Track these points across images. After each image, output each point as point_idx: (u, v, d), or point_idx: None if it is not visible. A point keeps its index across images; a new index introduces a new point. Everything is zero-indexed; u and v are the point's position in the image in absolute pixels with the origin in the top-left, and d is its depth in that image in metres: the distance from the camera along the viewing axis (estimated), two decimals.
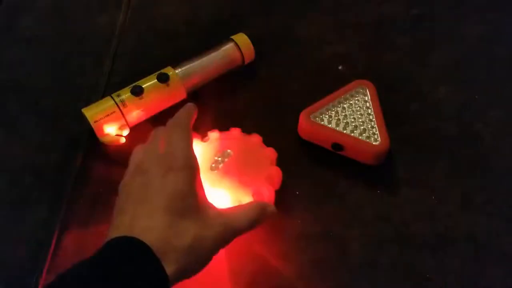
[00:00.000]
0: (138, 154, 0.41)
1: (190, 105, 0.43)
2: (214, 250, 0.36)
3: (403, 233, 0.44)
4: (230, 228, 0.37)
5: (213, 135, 0.46)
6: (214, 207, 0.38)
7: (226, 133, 0.47)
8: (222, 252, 0.36)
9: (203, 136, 0.46)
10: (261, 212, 0.39)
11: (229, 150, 0.45)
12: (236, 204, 0.41)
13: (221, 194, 0.42)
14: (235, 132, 0.46)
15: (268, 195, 0.43)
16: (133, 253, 0.32)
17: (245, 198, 0.42)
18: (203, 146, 0.45)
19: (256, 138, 0.46)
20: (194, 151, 0.39)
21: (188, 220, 0.35)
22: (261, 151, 0.46)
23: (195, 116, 0.43)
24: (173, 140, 0.39)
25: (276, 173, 0.44)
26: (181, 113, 0.42)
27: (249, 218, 0.38)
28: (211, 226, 0.36)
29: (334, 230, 0.45)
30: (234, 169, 0.44)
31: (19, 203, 0.47)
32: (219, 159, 0.44)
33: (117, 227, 0.34)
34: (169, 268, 0.32)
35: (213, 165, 0.44)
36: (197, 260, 0.35)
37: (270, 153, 0.46)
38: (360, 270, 0.42)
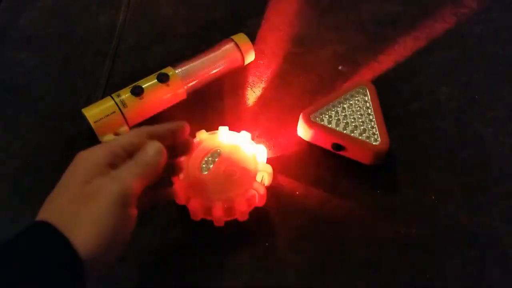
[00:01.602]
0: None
1: (180, 123, 0.40)
2: (115, 211, 0.32)
3: (403, 233, 0.44)
4: (118, 180, 0.33)
5: (202, 135, 0.46)
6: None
7: (214, 132, 0.47)
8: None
9: (192, 137, 0.46)
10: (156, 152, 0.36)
11: (218, 150, 0.45)
12: (229, 202, 0.42)
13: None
14: (223, 130, 0.46)
15: (260, 193, 0.43)
16: (40, 238, 0.31)
17: (238, 198, 0.42)
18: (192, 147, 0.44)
19: (245, 135, 0.46)
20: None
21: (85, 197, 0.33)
22: (251, 148, 0.46)
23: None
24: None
25: (267, 170, 0.44)
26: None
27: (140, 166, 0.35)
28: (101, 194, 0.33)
29: (334, 230, 0.45)
30: (224, 169, 0.44)
31: (19, 203, 0.47)
32: (209, 159, 0.44)
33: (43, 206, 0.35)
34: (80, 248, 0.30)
35: (204, 165, 0.44)
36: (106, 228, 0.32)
37: (260, 149, 0.46)
38: (360, 270, 0.42)
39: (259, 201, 0.43)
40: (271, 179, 0.45)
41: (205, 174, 0.44)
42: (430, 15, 0.63)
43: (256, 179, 0.43)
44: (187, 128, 0.39)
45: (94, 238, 0.31)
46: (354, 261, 0.43)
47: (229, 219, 0.43)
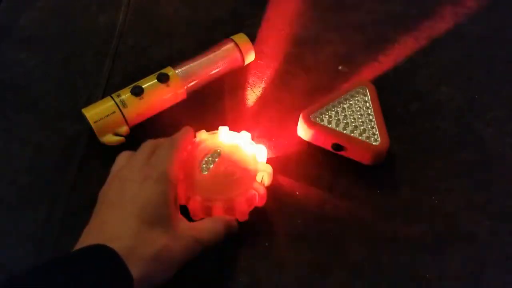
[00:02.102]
0: (120, 161, 0.42)
1: (187, 127, 0.45)
2: (181, 261, 0.36)
3: (403, 233, 0.44)
4: (198, 241, 0.38)
5: (202, 135, 0.46)
6: (184, 220, 0.39)
7: (214, 132, 0.47)
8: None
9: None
10: (226, 227, 0.40)
11: (218, 150, 0.45)
12: (229, 202, 0.42)
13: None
14: (223, 130, 0.46)
15: (260, 193, 0.43)
16: (98, 259, 0.32)
17: (238, 198, 0.42)
18: (192, 146, 0.45)
19: (245, 135, 0.46)
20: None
21: (157, 229, 0.35)
22: (251, 148, 0.46)
23: (190, 138, 0.45)
24: (159, 154, 0.41)
25: (267, 170, 0.44)
26: (176, 134, 0.44)
27: (215, 233, 0.40)
28: (180, 238, 0.37)
29: (334, 230, 0.45)
30: (224, 169, 0.44)
31: (18, 203, 0.47)
32: (209, 159, 0.44)
33: (88, 232, 0.35)
34: (134, 274, 0.32)
35: (204, 166, 0.44)
36: (162, 269, 0.35)
37: (260, 149, 0.46)
38: (360, 270, 0.42)
39: (259, 201, 0.43)
40: (271, 179, 0.45)
41: (205, 174, 0.44)
42: (430, 15, 0.63)
43: (256, 179, 0.43)
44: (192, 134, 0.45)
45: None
46: (354, 261, 0.43)
47: None
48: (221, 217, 0.41)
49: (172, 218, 0.37)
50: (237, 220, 0.42)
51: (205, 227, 0.40)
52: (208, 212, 0.42)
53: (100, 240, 0.33)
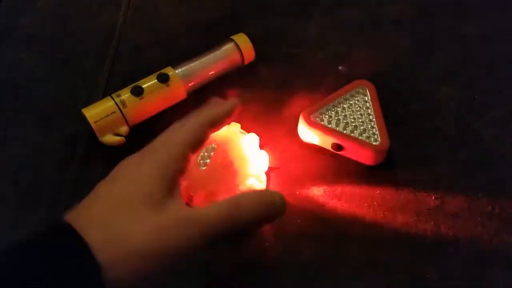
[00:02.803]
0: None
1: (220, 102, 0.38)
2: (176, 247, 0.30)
3: (403, 233, 0.44)
4: (192, 226, 0.30)
5: None
6: (183, 204, 0.33)
7: None
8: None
9: None
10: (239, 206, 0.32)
11: (212, 144, 0.45)
12: (231, 192, 0.42)
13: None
14: None
15: (261, 179, 0.44)
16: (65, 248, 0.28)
17: (240, 187, 0.43)
18: None
19: (235, 127, 0.47)
20: None
21: (142, 211, 0.30)
22: (242, 138, 0.46)
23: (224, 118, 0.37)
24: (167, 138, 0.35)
25: (262, 157, 0.45)
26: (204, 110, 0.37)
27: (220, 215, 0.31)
28: (171, 220, 0.30)
29: (334, 230, 0.45)
30: (221, 161, 0.44)
31: (19, 203, 0.47)
32: (205, 154, 0.45)
33: (80, 204, 0.31)
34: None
35: (201, 161, 0.44)
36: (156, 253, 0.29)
37: (252, 138, 0.46)
38: (360, 270, 0.42)
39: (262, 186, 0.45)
40: (267, 165, 0.46)
41: (204, 169, 0.44)
42: (430, 15, 0.63)
43: (253, 167, 0.44)
44: (239, 108, 0.38)
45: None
46: (354, 261, 0.43)
47: None
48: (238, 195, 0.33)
49: (162, 199, 0.31)
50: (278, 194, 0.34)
51: (204, 210, 0.32)
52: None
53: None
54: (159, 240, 0.29)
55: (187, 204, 0.43)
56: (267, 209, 0.32)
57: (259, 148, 0.46)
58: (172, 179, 0.33)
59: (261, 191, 0.38)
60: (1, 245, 0.42)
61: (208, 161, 0.44)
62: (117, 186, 0.32)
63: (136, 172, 0.32)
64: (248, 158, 0.44)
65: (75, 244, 0.28)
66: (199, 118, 0.36)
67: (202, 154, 0.45)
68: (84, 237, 0.28)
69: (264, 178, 0.45)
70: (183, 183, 0.42)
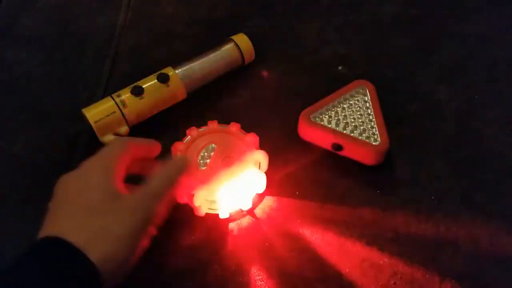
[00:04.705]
0: None
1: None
2: (136, 233, 0.35)
3: (403, 233, 0.44)
4: (143, 203, 0.36)
5: (192, 132, 0.47)
6: (125, 191, 0.37)
7: (204, 128, 0.47)
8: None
9: (183, 138, 0.46)
10: (166, 170, 0.38)
11: (212, 144, 0.45)
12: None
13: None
14: (213, 125, 0.47)
15: (259, 179, 0.44)
16: (57, 252, 0.31)
17: (239, 185, 0.43)
18: (185, 146, 0.45)
19: (234, 127, 0.47)
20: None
21: (101, 214, 0.34)
22: (242, 138, 0.46)
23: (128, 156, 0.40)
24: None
25: (262, 157, 0.45)
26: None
27: (157, 184, 0.37)
28: (122, 214, 0.35)
29: (334, 230, 0.45)
30: (221, 160, 0.44)
31: (19, 204, 0.47)
32: (205, 154, 0.45)
33: (43, 227, 0.35)
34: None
35: (201, 161, 0.45)
36: (124, 248, 0.34)
37: (252, 138, 0.46)
38: (360, 270, 0.42)
39: (260, 188, 0.45)
40: (267, 165, 0.46)
41: (204, 169, 0.44)
42: (430, 15, 0.63)
43: (253, 167, 0.44)
44: (159, 149, 0.42)
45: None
46: (354, 261, 0.43)
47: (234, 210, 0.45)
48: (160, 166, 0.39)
49: (109, 197, 0.35)
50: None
51: (143, 189, 0.36)
52: (213, 204, 0.43)
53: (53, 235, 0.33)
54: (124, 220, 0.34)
55: (187, 204, 0.43)
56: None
57: (259, 148, 0.47)
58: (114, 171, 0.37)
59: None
60: (1, 246, 0.42)
61: (208, 161, 0.44)
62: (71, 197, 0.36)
63: (83, 182, 0.37)
64: (248, 158, 0.44)
65: (65, 250, 0.32)
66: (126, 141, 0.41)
67: (202, 154, 0.45)
68: (68, 240, 0.32)
69: (264, 178, 0.45)
70: (183, 183, 0.42)
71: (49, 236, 0.32)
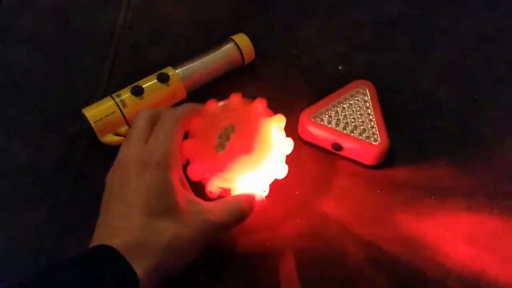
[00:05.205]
0: (123, 145, 0.40)
1: (190, 105, 0.42)
2: (196, 248, 0.36)
3: (403, 233, 0.44)
4: (210, 224, 0.36)
5: (211, 106, 0.42)
6: (197, 202, 0.37)
7: (225, 102, 0.43)
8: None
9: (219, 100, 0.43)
10: (244, 205, 0.39)
11: (232, 124, 0.41)
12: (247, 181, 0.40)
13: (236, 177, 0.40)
14: (236, 99, 0.42)
15: (282, 169, 0.42)
16: (98, 260, 0.32)
17: (256, 175, 0.40)
18: (203, 123, 0.41)
19: (259, 105, 0.42)
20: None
21: (164, 219, 0.34)
22: (267, 120, 0.42)
23: (195, 113, 0.41)
24: (157, 136, 0.38)
25: (287, 144, 0.42)
26: (179, 108, 0.41)
27: (233, 213, 0.38)
28: (191, 224, 0.35)
29: (334, 230, 0.45)
30: (240, 144, 0.40)
31: (18, 204, 0.47)
32: (223, 133, 0.41)
33: (97, 226, 0.35)
34: (142, 268, 0.32)
35: (218, 142, 0.40)
36: (177, 258, 0.35)
37: (278, 120, 0.42)
38: (360, 270, 0.42)
39: (280, 174, 0.42)
40: (291, 148, 0.42)
41: (221, 153, 0.40)
42: (430, 15, 0.63)
43: (275, 154, 0.41)
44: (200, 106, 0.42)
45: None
46: (354, 261, 0.43)
47: None
48: (238, 196, 0.39)
49: (179, 204, 0.35)
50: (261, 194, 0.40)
51: (221, 208, 0.38)
52: (226, 192, 0.41)
53: (107, 234, 0.33)
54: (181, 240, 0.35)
55: (199, 189, 0.40)
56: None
57: (284, 133, 0.42)
58: (177, 181, 0.37)
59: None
60: (2, 245, 0.42)
61: (226, 143, 0.40)
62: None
63: (142, 183, 0.36)
64: (271, 144, 0.40)
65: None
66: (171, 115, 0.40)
67: (220, 132, 0.41)
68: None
69: (285, 169, 0.41)
70: (196, 164, 0.40)
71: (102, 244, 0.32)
